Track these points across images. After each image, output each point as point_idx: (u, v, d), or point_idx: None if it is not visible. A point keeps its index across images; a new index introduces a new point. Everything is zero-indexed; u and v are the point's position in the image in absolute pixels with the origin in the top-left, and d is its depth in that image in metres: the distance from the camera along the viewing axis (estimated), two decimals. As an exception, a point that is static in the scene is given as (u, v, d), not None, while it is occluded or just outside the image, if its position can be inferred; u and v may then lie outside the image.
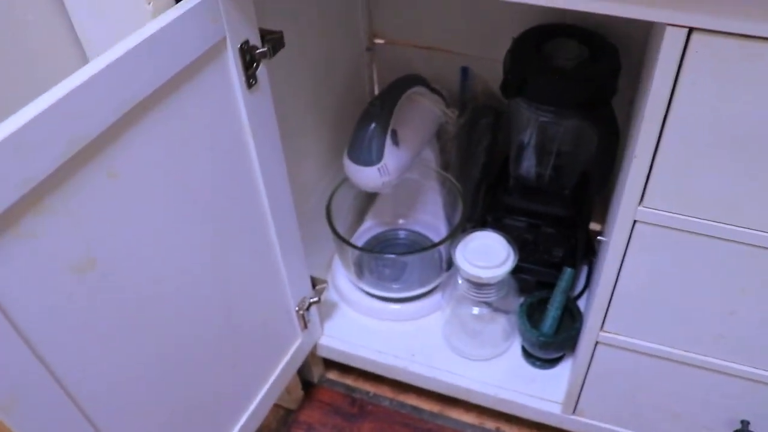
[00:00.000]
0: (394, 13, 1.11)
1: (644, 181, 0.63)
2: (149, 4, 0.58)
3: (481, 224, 1.05)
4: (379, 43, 1.14)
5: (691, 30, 0.52)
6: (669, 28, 0.52)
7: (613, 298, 0.75)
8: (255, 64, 0.71)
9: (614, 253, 0.70)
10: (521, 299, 1.01)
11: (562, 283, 0.95)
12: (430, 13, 1.09)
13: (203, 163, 0.68)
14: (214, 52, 0.64)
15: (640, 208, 0.65)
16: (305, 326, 1.00)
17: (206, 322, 0.77)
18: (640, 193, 0.64)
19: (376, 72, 1.18)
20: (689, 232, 0.65)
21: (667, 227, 0.65)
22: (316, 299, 1.00)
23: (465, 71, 1.12)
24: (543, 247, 1.02)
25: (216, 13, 0.62)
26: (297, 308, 0.97)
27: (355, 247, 1.06)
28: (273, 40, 0.71)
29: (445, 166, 1.14)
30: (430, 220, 1.17)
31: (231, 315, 0.81)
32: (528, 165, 1.02)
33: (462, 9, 1.06)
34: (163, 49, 0.57)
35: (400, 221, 1.18)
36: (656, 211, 0.65)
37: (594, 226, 1.12)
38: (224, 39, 0.65)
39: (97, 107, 0.52)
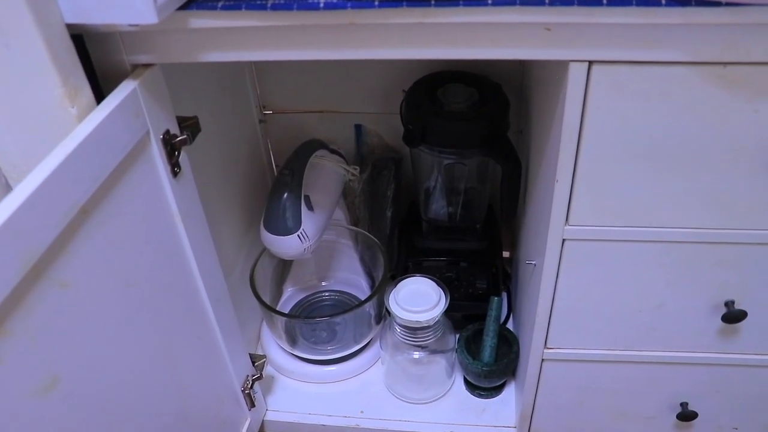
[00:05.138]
0: (281, 84, 1.13)
1: (567, 202, 0.69)
2: (73, 107, 0.57)
3: (403, 271, 1.08)
4: (269, 114, 1.16)
5: (590, 63, 0.59)
6: (572, 64, 0.59)
7: (552, 315, 0.80)
8: (177, 153, 0.70)
9: (548, 273, 0.76)
10: (456, 336, 1.05)
11: (493, 312, 1.00)
12: (315, 79, 1.12)
13: (142, 258, 0.66)
14: (140, 146, 0.64)
15: (567, 227, 0.71)
16: (252, 404, 0.97)
17: (163, 421, 0.74)
18: (565, 213, 0.70)
19: (270, 142, 1.19)
20: (614, 240, 0.71)
21: (594, 240, 0.72)
22: (258, 375, 0.98)
23: (358, 128, 1.16)
24: (466, 282, 1.07)
25: (138, 107, 0.62)
26: (242, 388, 0.94)
27: (287, 315, 1.05)
28: (190, 126, 0.71)
29: (355, 222, 1.17)
30: (350, 277, 1.18)
31: (186, 411, 0.78)
32: (438, 206, 1.07)
33: (345, 71, 1.11)
34: (97, 151, 0.56)
35: (323, 283, 1.19)
36: (582, 227, 0.71)
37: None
38: (147, 132, 0.64)
39: (45, 219, 0.50)
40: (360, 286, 1.18)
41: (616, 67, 0.59)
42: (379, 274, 1.08)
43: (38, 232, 0.50)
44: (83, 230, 0.56)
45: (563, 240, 0.72)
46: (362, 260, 1.17)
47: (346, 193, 1.14)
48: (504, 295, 1.17)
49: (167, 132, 0.68)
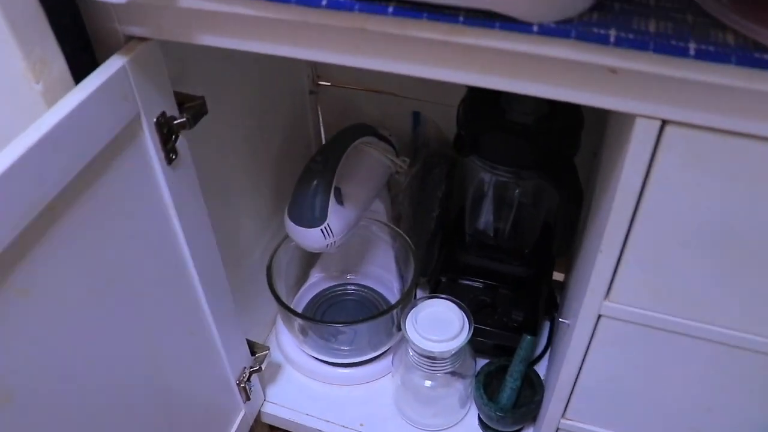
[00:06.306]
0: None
1: (611, 276, 0.56)
2: (38, 83, 0.48)
3: (435, 284, 0.98)
4: (324, 86, 1.05)
5: (664, 122, 0.45)
6: (640, 119, 0.45)
7: (576, 388, 0.68)
8: (174, 137, 0.62)
9: (577, 344, 0.63)
10: (478, 362, 0.94)
11: (522, 352, 0.88)
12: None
13: (126, 256, 0.59)
14: (128, 131, 0.55)
15: (605, 302, 0.58)
16: (248, 398, 0.91)
17: (146, 419, 0.68)
18: (606, 288, 0.57)
19: (321, 117, 1.09)
20: (662, 329, 0.58)
21: (637, 323, 0.59)
22: (256, 368, 0.91)
23: (416, 116, 1.04)
24: (501, 310, 0.95)
25: (127, 88, 0.53)
26: (237, 381, 0.88)
27: (299, 315, 0.97)
28: (193, 108, 0.62)
29: (397, 218, 1.06)
30: (382, 274, 1.09)
31: (171, 406, 0.73)
32: (485, 221, 0.95)
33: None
34: (70, 141, 0.48)
35: (349, 276, 1.10)
36: (624, 307, 0.58)
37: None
38: (138, 115, 0.56)
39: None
40: (390, 286, 1.08)
41: (697, 133, 0.45)
42: (409, 280, 0.98)
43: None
44: (50, 232, 0.48)
45: (599, 315, 0.60)
46: (397, 259, 1.07)
47: (390, 187, 1.03)
48: (546, 325, 1.05)
49: (162, 115, 0.59)
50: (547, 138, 0.79)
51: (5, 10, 0.45)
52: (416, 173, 1.03)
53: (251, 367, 0.91)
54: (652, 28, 0.39)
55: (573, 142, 0.81)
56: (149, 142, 0.59)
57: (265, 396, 1.00)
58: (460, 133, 0.83)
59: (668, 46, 0.39)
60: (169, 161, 0.62)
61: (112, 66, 0.52)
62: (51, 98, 0.49)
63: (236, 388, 0.89)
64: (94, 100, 0.50)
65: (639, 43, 0.39)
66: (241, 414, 0.92)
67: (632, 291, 0.56)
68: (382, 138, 0.97)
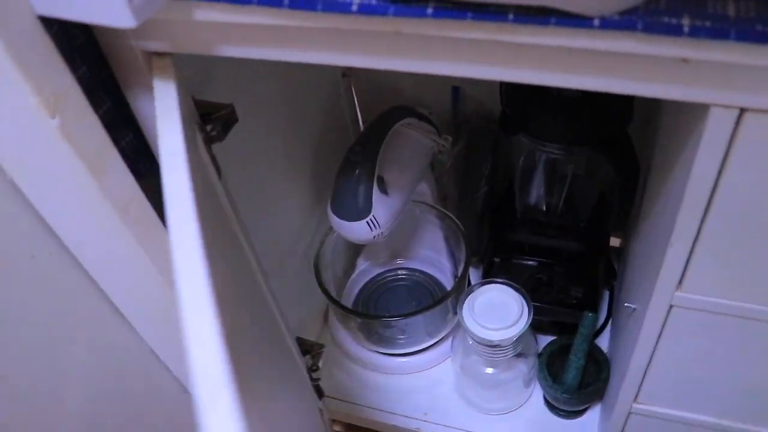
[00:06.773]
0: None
1: (682, 268, 0.52)
2: (54, 117, 0.46)
3: (488, 266, 0.94)
4: (356, 67, 1.01)
5: (742, 110, 0.40)
6: (715, 109, 0.41)
7: (647, 374, 0.65)
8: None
9: (648, 334, 0.60)
10: (539, 340, 0.91)
11: (584, 330, 0.85)
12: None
13: (229, 285, 0.56)
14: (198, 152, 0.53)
15: (677, 293, 0.54)
16: (321, 394, 0.90)
17: None
18: (678, 279, 0.53)
19: (356, 99, 1.05)
20: (742, 317, 0.54)
21: (711, 312, 0.55)
22: (314, 366, 0.89)
23: (456, 91, 0.99)
24: (558, 287, 0.92)
25: (186, 110, 0.50)
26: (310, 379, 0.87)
27: (353, 312, 0.95)
28: (222, 118, 0.59)
29: (442, 198, 1.03)
30: (432, 256, 1.06)
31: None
32: (536, 197, 0.90)
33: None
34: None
35: (398, 261, 1.07)
36: (697, 297, 0.54)
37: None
38: (196, 136, 0.53)
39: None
40: (441, 268, 1.05)
41: (781, 119, 0.40)
42: (461, 262, 0.94)
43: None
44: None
45: (671, 306, 0.56)
46: (447, 239, 1.03)
47: (434, 167, 1.00)
48: (605, 295, 1.01)
49: (201, 128, 0.56)
50: (598, 111, 0.74)
51: (9, 46, 0.41)
52: (459, 151, 0.99)
53: (310, 367, 0.89)
54: (731, 11, 0.35)
55: (625, 113, 0.76)
56: (208, 160, 0.56)
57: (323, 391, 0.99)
58: (505, 111, 0.78)
59: (752, 33, 0.34)
60: (220, 175, 0.59)
61: (168, 93, 0.48)
62: (68, 132, 0.46)
63: (312, 389, 0.88)
64: (187, 138, 0.45)
65: (717, 32, 0.34)
66: (321, 413, 0.92)
67: (706, 281, 0.52)
68: (422, 118, 0.93)
